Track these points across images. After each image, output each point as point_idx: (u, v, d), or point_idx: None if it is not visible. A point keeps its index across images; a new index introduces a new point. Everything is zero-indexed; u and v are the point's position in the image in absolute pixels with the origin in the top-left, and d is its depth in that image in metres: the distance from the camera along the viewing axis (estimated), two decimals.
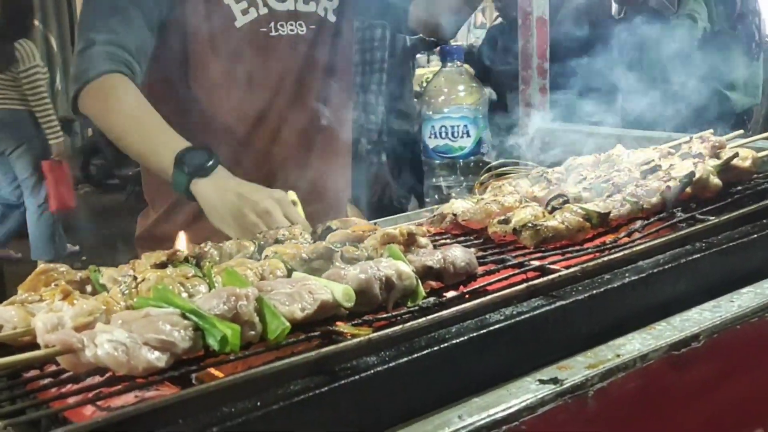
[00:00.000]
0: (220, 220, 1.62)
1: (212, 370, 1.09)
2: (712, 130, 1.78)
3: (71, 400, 0.95)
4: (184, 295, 1.10)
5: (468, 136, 2.22)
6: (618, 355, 1.19)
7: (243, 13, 1.92)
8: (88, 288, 1.17)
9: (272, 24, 1.95)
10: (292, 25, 1.98)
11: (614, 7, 5.10)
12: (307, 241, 1.38)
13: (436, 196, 2.29)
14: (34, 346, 1.03)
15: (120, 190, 10.66)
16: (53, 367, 1.01)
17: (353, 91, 2.23)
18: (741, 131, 2.01)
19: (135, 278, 1.13)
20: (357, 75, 2.82)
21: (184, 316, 0.99)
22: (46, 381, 0.98)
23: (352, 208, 2.35)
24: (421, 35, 2.97)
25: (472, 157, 2.24)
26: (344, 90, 2.19)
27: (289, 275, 1.19)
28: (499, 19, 5.38)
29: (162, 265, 1.22)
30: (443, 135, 2.23)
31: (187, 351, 0.97)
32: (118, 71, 1.77)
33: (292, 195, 1.68)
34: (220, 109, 1.96)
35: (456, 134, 2.22)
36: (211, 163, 1.66)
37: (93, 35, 1.79)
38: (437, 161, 2.26)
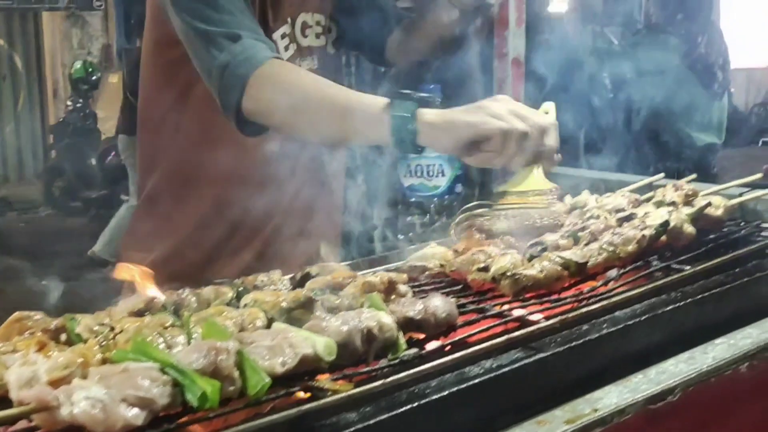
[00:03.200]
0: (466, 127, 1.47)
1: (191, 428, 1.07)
2: (688, 178, 1.81)
3: None
4: (163, 346, 1.08)
5: (443, 175, 2.24)
6: (595, 410, 1.19)
7: (285, 49, 1.93)
8: (63, 337, 1.14)
9: (297, 60, 1.96)
10: (308, 60, 1.99)
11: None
12: (286, 287, 1.37)
13: (410, 234, 2.29)
14: (5, 400, 1.01)
15: (82, 213, 10.54)
16: (26, 424, 0.98)
17: None
18: (695, 175, 2.04)
19: (112, 329, 1.11)
20: None
21: (163, 371, 0.97)
22: None
23: (325, 247, 2.34)
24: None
25: (446, 196, 2.25)
26: None
27: (268, 325, 1.18)
28: None
29: (139, 313, 1.20)
30: (418, 174, 2.25)
31: (165, 408, 0.96)
32: (276, 57, 1.67)
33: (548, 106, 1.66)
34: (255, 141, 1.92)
35: (431, 173, 2.24)
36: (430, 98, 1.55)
37: (234, 30, 1.66)
38: (412, 200, 2.27)
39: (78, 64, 11.84)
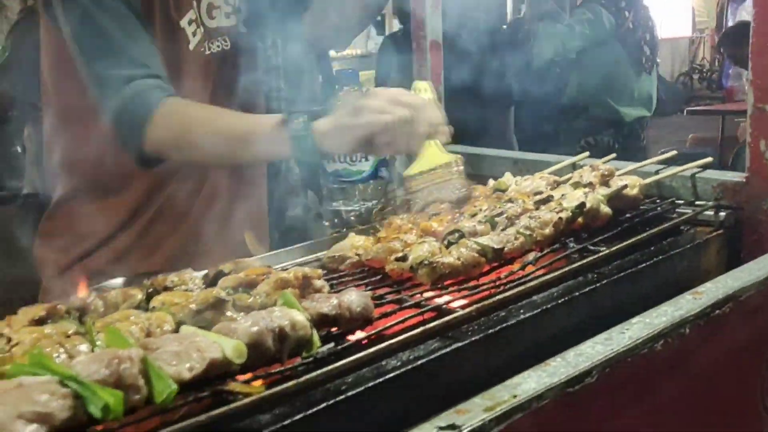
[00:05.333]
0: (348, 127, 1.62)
1: None
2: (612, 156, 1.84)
3: None
4: (64, 356, 1.03)
5: (366, 160, 2.20)
6: (514, 396, 1.19)
7: (193, 34, 1.93)
8: None
9: (206, 43, 1.96)
10: (218, 41, 1.99)
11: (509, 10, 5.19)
12: (198, 287, 1.33)
13: (336, 220, 2.27)
14: None
15: (9, 202, 10.19)
16: None
17: (262, 104, 2.22)
18: (614, 155, 2.07)
19: (9, 340, 1.06)
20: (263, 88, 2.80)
21: (62, 384, 0.93)
22: None
23: (249, 236, 2.30)
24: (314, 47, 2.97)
25: (371, 181, 2.22)
26: (258, 103, 2.19)
27: (177, 329, 1.14)
28: (398, 26, 5.40)
29: (40, 321, 1.15)
30: (342, 159, 2.21)
31: (66, 422, 0.92)
32: (170, 95, 1.73)
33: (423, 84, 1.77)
34: None
35: (354, 158, 2.21)
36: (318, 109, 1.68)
37: (126, 71, 1.71)
38: (335, 185, 2.23)
39: None
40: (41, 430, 0.89)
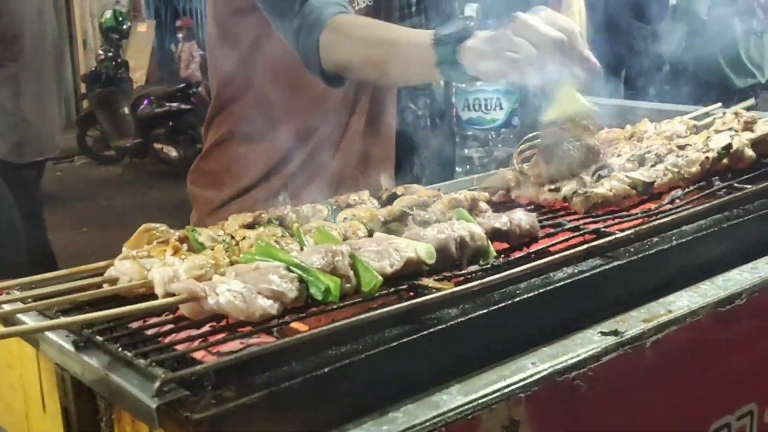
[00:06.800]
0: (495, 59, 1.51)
1: (298, 325, 1.18)
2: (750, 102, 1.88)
3: (184, 346, 1.05)
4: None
5: (501, 108, 2.31)
6: (670, 311, 1.30)
7: None
8: (185, 247, 1.26)
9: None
10: None
11: None
12: (375, 206, 1.47)
13: (467, 167, 2.39)
14: (146, 297, 1.13)
15: (116, 161, 10.71)
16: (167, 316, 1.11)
17: None
18: (752, 101, 2.11)
19: (233, 237, 1.22)
20: None
21: (289, 270, 1.09)
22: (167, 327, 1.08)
23: (385, 177, 2.44)
24: None
25: (503, 129, 2.33)
26: None
27: (369, 236, 1.29)
28: None
29: (249, 226, 1.31)
30: (476, 107, 2.33)
31: (294, 300, 1.07)
32: (342, 11, 1.79)
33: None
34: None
35: (489, 107, 2.32)
36: (470, 26, 1.58)
37: None
38: (470, 132, 2.35)
39: (108, 14, 11.92)
40: (275, 306, 1.05)
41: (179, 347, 1.05)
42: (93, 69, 11.35)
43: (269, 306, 1.04)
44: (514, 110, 2.33)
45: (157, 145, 10.31)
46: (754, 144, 1.71)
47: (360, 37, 1.77)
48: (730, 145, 1.64)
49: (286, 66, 1.97)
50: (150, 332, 1.09)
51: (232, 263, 1.15)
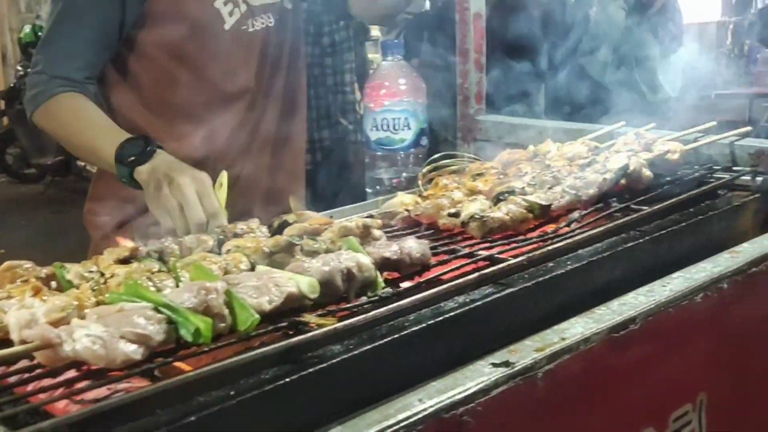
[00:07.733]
0: (149, 200, 1.66)
1: (179, 364, 1.12)
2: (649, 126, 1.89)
3: (46, 395, 0.98)
4: (153, 289, 1.12)
5: (409, 128, 2.28)
6: (563, 339, 1.27)
7: (230, 14, 1.97)
8: (53, 284, 1.18)
9: (250, 20, 2.01)
10: (263, 18, 2.03)
11: None
12: (265, 235, 1.42)
13: (378, 187, 2.34)
14: (3, 343, 1.05)
15: (38, 180, 10.40)
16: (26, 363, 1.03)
17: (306, 81, 2.28)
18: (653, 124, 2.12)
19: (103, 274, 1.15)
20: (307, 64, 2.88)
21: (157, 310, 1.02)
22: (25, 376, 1.00)
23: (294, 200, 2.38)
24: (362, 21, 3.03)
25: (412, 149, 2.30)
26: (301, 80, 2.25)
27: (252, 269, 1.23)
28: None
29: (125, 261, 1.24)
30: (384, 127, 2.29)
31: (161, 344, 1.01)
32: (68, 91, 1.87)
33: (222, 177, 1.67)
34: (210, 108, 2.03)
35: (397, 127, 2.28)
36: (149, 149, 1.70)
37: (42, 65, 1.90)
38: (379, 153, 2.31)
39: (27, 28, 11.56)
40: (140, 351, 0.98)
41: (41, 396, 0.98)
42: (11, 85, 11.01)
43: (132, 351, 0.97)
44: (423, 130, 2.30)
45: (80, 163, 10.03)
46: (652, 164, 1.71)
47: (58, 132, 1.93)
48: (627, 166, 1.64)
49: (172, 92, 1.95)
50: (12, 380, 1.02)
51: (98, 303, 1.08)
